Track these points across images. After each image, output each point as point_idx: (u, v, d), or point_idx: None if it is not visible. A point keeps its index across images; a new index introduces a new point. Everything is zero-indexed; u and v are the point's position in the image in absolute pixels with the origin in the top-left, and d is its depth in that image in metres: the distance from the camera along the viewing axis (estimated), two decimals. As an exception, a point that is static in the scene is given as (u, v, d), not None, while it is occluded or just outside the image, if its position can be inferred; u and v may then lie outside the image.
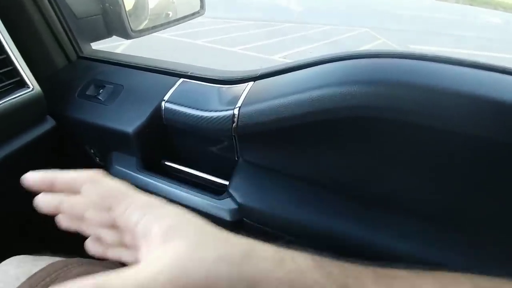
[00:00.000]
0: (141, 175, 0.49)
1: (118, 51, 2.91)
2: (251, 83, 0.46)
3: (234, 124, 0.43)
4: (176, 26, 0.70)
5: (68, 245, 0.40)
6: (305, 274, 0.21)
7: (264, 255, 0.21)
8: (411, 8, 7.23)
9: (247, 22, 5.53)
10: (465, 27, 6.93)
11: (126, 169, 0.50)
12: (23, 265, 0.37)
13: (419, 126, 0.34)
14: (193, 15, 0.71)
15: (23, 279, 0.35)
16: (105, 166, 0.53)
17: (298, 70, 0.43)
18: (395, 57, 0.37)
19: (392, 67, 0.36)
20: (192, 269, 0.19)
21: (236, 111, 0.43)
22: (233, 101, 0.44)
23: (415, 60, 0.36)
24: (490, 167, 0.34)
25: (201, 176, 0.51)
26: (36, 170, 0.25)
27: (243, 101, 0.43)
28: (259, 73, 0.47)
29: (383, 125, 0.35)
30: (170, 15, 0.72)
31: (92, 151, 0.55)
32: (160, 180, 0.48)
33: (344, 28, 5.68)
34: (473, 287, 0.21)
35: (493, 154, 0.33)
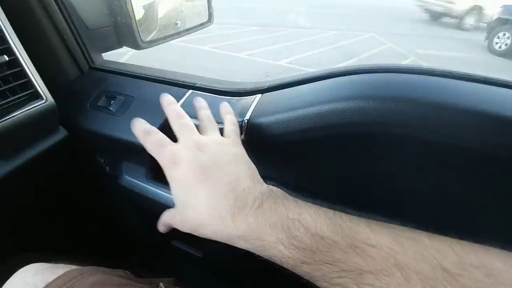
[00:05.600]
0: (150, 185, 0.50)
1: (126, 57, 2.96)
2: (259, 95, 0.47)
3: (242, 136, 0.43)
4: (183, 32, 0.71)
5: (83, 253, 0.40)
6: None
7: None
8: (413, 12, 7.26)
9: (253, 28, 5.57)
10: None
11: (135, 179, 0.51)
12: (41, 273, 0.38)
13: (427, 141, 0.34)
14: (201, 25, 0.72)
15: (40, 287, 0.36)
16: (115, 175, 0.54)
17: (306, 83, 0.44)
18: (405, 72, 0.37)
19: (402, 83, 0.36)
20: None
21: (244, 123, 0.43)
22: (241, 113, 0.44)
23: (424, 76, 0.36)
24: (495, 181, 0.34)
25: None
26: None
27: (251, 113, 0.44)
28: (267, 85, 0.48)
29: (391, 140, 0.35)
30: (179, 25, 0.73)
31: (102, 160, 0.56)
32: (169, 190, 0.48)
33: (350, 33, 5.68)
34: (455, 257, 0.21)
35: (498, 169, 0.33)
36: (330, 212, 0.25)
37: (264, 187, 0.29)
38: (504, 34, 5.21)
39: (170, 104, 0.36)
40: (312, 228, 0.23)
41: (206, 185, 0.28)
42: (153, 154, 0.31)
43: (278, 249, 0.24)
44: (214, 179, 0.28)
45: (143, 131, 0.32)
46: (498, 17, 5.43)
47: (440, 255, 0.20)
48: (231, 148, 0.33)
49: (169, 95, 0.37)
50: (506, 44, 5.18)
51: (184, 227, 0.30)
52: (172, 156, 0.30)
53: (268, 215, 0.25)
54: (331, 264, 0.22)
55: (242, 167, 0.30)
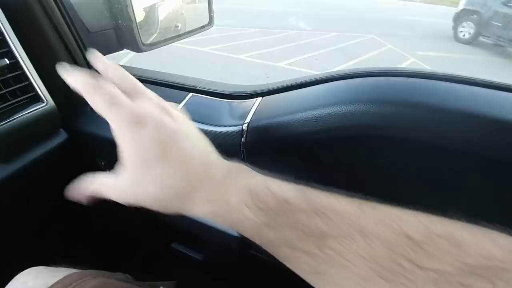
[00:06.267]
0: (150, 188, 0.50)
1: (126, 59, 2.96)
2: (259, 98, 0.47)
3: (243, 139, 0.43)
4: (183, 32, 0.71)
5: (83, 256, 0.40)
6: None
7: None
8: (412, 13, 7.30)
9: (253, 30, 5.58)
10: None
11: (135, 181, 0.51)
12: (41, 276, 0.38)
13: (427, 144, 0.34)
14: (202, 28, 0.72)
15: None
16: (115, 178, 0.54)
17: (306, 86, 0.44)
18: (404, 76, 0.37)
19: (402, 86, 0.36)
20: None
21: (245, 127, 0.43)
22: (242, 116, 0.44)
23: (424, 79, 0.36)
24: (495, 185, 0.34)
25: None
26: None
27: (252, 116, 0.44)
28: (267, 88, 0.48)
29: (391, 143, 0.35)
30: (179, 28, 0.73)
31: (102, 163, 0.56)
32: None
33: (350, 35, 5.69)
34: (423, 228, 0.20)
35: (497, 173, 0.33)
36: (299, 185, 0.24)
37: (229, 161, 0.27)
38: (468, 24, 5.88)
39: (100, 60, 0.29)
40: (277, 192, 0.23)
41: (173, 152, 0.24)
42: (102, 114, 0.25)
43: (243, 212, 0.23)
44: (181, 146, 0.25)
45: (87, 85, 0.25)
46: (463, 8, 6.01)
47: (404, 223, 0.20)
48: (187, 119, 0.29)
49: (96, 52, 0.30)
50: (469, 33, 5.85)
51: (121, 198, 0.26)
52: (132, 115, 0.24)
53: (235, 180, 0.24)
54: (294, 228, 0.22)
55: (205, 139, 0.28)
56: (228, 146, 0.45)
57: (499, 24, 5.35)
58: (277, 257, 0.23)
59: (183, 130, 0.26)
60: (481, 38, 5.77)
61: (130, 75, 0.29)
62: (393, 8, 9.26)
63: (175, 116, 0.27)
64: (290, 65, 3.99)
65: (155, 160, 0.24)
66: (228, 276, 0.69)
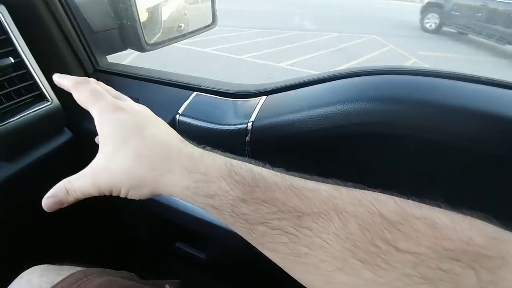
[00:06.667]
0: (154, 186, 0.50)
1: (129, 59, 2.97)
2: (264, 97, 0.47)
3: (247, 138, 0.43)
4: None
5: (87, 255, 0.40)
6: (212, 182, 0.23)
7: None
8: (412, 14, 7.36)
9: (255, 30, 5.58)
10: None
11: (139, 180, 0.51)
12: (46, 275, 0.38)
13: (432, 142, 0.34)
14: (205, 28, 0.72)
15: None
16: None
17: (311, 85, 0.44)
18: (408, 74, 0.37)
19: (406, 84, 0.36)
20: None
21: (249, 125, 0.43)
22: (246, 115, 0.44)
23: (428, 77, 0.36)
24: (501, 182, 0.34)
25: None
26: None
27: (256, 115, 0.44)
28: (272, 87, 0.48)
29: (396, 141, 0.35)
30: (182, 28, 0.73)
31: (106, 162, 0.56)
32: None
33: (351, 35, 5.69)
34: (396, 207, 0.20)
35: (504, 170, 0.33)
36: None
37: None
38: (432, 15, 6.49)
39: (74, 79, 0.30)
40: (254, 169, 0.23)
41: (149, 134, 0.26)
42: (87, 105, 0.28)
43: (219, 185, 0.23)
44: (159, 129, 0.27)
45: (76, 81, 0.29)
46: (428, 1, 6.66)
47: (380, 204, 0.20)
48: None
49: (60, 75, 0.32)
50: (434, 23, 6.45)
51: (95, 184, 0.26)
52: (114, 104, 0.27)
53: (212, 155, 0.25)
54: (270, 204, 0.21)
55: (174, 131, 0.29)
56: (233, 144, 0.45)
57: (458, 14, 6.06)
58: (253, 239, 0.23)
59: (157, 118, 0.28)
60: (444, 28, 6.38)
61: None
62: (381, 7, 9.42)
63: (145, 108, 0.29)
64: (292, 65, 3.99)
65: (131, 135, 0.26)
66: (232, 275, 0.69)
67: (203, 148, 0.26)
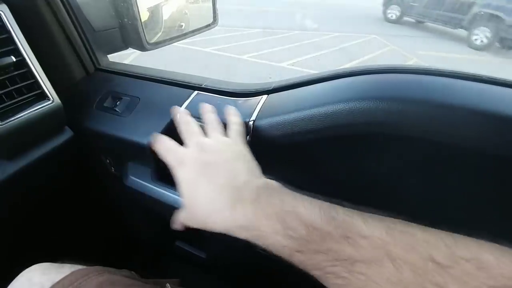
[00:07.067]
0: (155, 185, 0.50)
1: (130, 58, 2.97)
2: (265, 96, 0.47)
3: (248, 137, 0.43)
4: (186, 33, 0.71)
5: (88, 253, 0.40)
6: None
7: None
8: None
9: (256, 30, 5.58)
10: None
11: (140, 179, 0.51)
12: (47, 273, 0.38)
13: (434, 142, 0.34)
14: (206, 27, 0.72)
15: (47, 286, 0.36)
16: (120, 176, 0.54)
17: (312, 84, 0.44)
18: (411, 73, 0.37)
19: (408, 83, 0.36)
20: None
21: (250, 124, 0.43)
22: (247, 114, 0.44)
23: (431, 76, 0.36)
24: (504, 182, 0.34)
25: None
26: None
27: (257, 114, 0.44)
28: (272, 86, 0.48)
29: (398, 140, 0.35)
30: (183, 27, 0.73)
31: (108, 161, 0.56)
32: (174, 191, 0.48)
33: (352, 35, 5.68)
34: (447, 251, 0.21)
35: (507, 170, 0.32)
36: (325, 204, 0.26)
37: (261, 181, 0.30)
38: (394, 7, 7.28)
39: (178, 113, 0.41)
40: (306, 219, 0.24)
41: (206, 180, 0.30)
42: (163, 157, 0.35)
43: (275, 238, 0.25)
44: (213, 174, 0.31)
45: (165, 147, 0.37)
46: None
47: (431, 248, 0.21)
48: (232, 147, 0.35)
49: (177, 106, 0.42)
50: (396, 14, 7.27)
51: (191, 223, 0.32)
52: (178, 157, 0.34)
53: (264, 207, 0.27)
54: (324, 253, 0.23)
55: (241, 163, 0.33)
56: (234, 143, 0.45)
57: (416, 5, 6.80)
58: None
59: (215, 159, 0.32)
60: (405, 18, 7.18)
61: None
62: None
63: (209, 149, 0.34)
64: (293, 65, 3.99)
65: (195, 186, 0.31)
66: (232, 275, 0.69)
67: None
